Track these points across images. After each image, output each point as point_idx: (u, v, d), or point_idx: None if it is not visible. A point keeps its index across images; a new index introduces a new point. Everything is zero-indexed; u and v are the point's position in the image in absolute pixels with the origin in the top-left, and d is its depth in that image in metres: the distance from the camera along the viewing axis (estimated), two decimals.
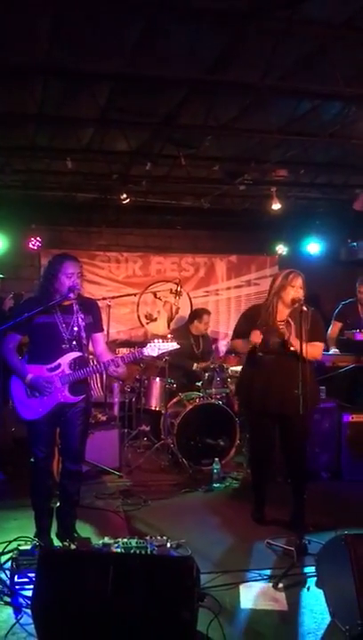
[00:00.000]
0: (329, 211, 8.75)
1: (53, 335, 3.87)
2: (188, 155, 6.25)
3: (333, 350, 6.43)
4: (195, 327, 7.08)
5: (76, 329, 3.90)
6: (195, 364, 6.74)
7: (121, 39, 4.08)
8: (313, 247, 9.23)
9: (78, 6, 3.69)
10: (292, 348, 4.20)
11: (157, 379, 6.70)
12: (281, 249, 9.58)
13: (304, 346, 3.99)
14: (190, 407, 6.02)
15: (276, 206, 7.54)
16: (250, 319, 4.49)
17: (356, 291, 6.58)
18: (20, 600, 3.32)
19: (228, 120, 5.55)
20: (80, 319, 3.91)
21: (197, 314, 7.23)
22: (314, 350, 4.31)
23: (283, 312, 4.35)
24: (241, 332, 4.54)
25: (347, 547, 2.99)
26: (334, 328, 6.61)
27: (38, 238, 8.40)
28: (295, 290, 4.28)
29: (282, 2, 3.62)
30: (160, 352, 4.07)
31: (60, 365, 3.87)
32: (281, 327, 4.30)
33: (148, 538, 3.60)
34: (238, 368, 6.77)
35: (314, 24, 3.88)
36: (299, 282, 4.30)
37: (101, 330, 4.17)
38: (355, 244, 9.63)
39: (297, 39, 4.04)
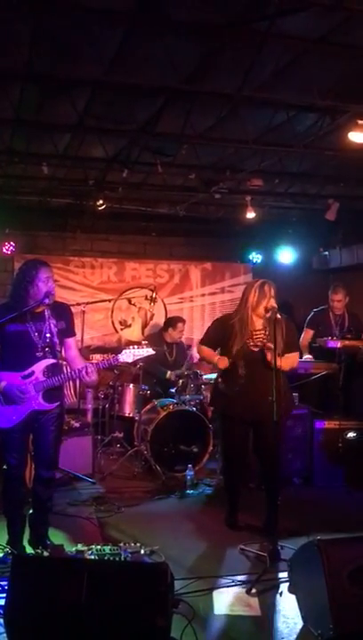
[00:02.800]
0: (302, 220, 8.87)
1: (26, 344, 3.84)
2: (164, 162, 6.29)
3: (305, 357, 6.51)
4: (169, 335, 7.10)
5: (48, 335, 3.87)
6: (168, 372, 6.75)
7: (100, 47, 4.10)
8: (286, 255, 9.34)
9: (58, 13, 3.70)
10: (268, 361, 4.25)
11: (131, 385, 6.69)
12: (255, 257, 9.68)
13: (277, 355, 4.05)
14: (164, 414, 6.02)
15: (250, 215, 7.63)
16: (221, 328, 4.52)
17: (328, 298, 6.68)
18: None
19: (204, 129, 5.60)
20: (52, 325, 3.88)
21: (171, 322, 7.24)
22: (292, 361, 4.43)
23: (257, 322, 4.39)
24: (210, 339, 4.62)
25: (320, 552, 3.03)
26: (306, 335, 6.69)
27: (12, 243, 8.34)
28: (268, 299, 4.33)
29: (259, 15, 3.68)
30: (135, 358, 4.07)
31: (33, 373, 3.84)
32: (259, 343, 4.33)
33: (121, 545, 3.61)
34: (213, 375, 6.82)
35: (290, 37, 3.95)
36: (271, 291, 4.34)
37: (74, 334, 4.12)
38: (327, 252, 9.78)
39: (273, 51, 4.10)
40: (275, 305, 4.26)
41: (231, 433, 4.58)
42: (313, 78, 4.43)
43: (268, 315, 4.24)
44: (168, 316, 8.63)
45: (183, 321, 7.28)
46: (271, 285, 4.38)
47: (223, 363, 4.39)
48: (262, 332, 4.32)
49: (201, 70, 4.41)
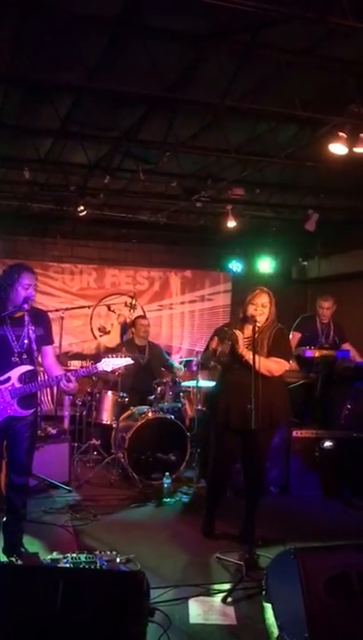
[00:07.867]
0: (282, 230, 8.94)
1: (3, 348, 3.80)
2: (146, 170, 6.30)
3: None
4: (136, 337, 7.12)
5: (26, 341, 3.84)
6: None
7: (84, 53, 4.10)
8: (266, 265, 9.40)
9: (42, 18, 3.69)
10: (244, 359, 4.24)
11: (109, 392, 6.66)
12: (235, 266, 9.73)
13: (257, 360, 4.05)
14: (142, 421, 5.99)
15: (231, 224, 7.67)
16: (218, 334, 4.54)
17: (317, 305, 6.70)
18: None
19: (187, 137, 5.63)
20: (31, 331, 3.85)
21: (133, 322, 7.27)
22: (271, 365, 4.31)
23: (248, 329, 4.38)
24: (208, 345, 4.63)
25: (296, 561, 3.03)
26: (293, 339, 6.69)
27: None
28: (256, 307, 4.33)
29: (243, 25, 3.72)
30: (114, 367, 4.07)
31: (9, 379, 3.80)
32: (233, 334, 4.33)
33: (97, 553, 3.57)
34: (191, 383, 6.82)
35: (274, 49, 3.99)
36: (261, 299, 4.33)
37: (52, 342, 4.11)
38: (305, 263, 9.87)
39: (257, 62, 4.14)
40: (256, 314, 4.27)
41: (223, 440, 4.54)
42: (295, 90, 4.48)
43: (250, 323, 4.27)
44: None
45: (143, 317, 7.35)
46: (262, 292, 4.37)
47: (214, 342, 4.37)
48: (249, 339, 4.33)
49: (184, 79, 4.43)
